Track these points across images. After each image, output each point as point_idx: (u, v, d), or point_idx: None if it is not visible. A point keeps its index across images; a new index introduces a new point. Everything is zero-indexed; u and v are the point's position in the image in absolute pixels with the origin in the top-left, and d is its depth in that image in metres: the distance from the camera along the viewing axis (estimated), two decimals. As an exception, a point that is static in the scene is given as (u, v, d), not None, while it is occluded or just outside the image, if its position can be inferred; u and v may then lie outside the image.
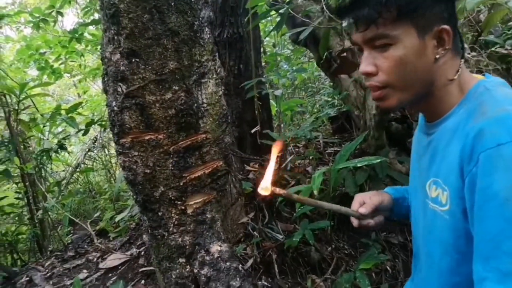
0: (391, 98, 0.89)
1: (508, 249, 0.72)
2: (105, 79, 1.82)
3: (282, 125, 3.64)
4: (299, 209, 1.96)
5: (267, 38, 5.26)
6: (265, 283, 2.00)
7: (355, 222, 1.13)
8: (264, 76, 3.07)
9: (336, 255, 2.12)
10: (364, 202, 1.12)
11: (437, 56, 0.85)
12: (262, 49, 4.78)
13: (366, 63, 0.88)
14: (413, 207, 1.12)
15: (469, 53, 1.59)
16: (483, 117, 0.80)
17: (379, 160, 1.76)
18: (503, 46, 1.66)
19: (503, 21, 2.25)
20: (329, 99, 3.79)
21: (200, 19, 1.78)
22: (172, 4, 1.68)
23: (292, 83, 4.34)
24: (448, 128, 0.90)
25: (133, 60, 1.69)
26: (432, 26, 0.83)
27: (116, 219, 2.94)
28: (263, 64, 3.95)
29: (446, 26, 0.84)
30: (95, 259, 2.66)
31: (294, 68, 3.62)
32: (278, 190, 0.95)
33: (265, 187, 0.93)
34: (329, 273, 2.02)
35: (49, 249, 3.05)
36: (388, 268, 2.07)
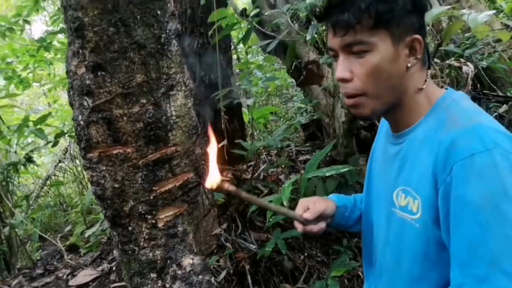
0: (365, 107, 0.90)
1: (483, 254, 0.75)
2: (71, 93, 1.78)
3: (255, 133, 3.65)
4: (270, 219, 1.97)
5: (241, 45, 5.28)
6: (239, 295, 2.00)
7: (299, 227, 1.12)
8: (237, 84, 3.08)
9: (309, 263, 2.14)
10: (309, 207, 1.12)
11: (409, 65, 0.88)
12: (235, 56, 4.79)
13: (342, 69, 0.89)
14: (373, 216, 1.14)
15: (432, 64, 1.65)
16: (454, 127, 0.82)
17: (347, 169, 1.79)
18: (462, 56, 1.73)
19: (463, 30, 2.34)
20: (303, 106, 3.83)
21: (167, 31, 1.78)
22: (138, 17, 1.66)
23: (265, 90, 4.37)
24: (418, 138, 0.91)
25: (99, 74, 1.67)
26: (406, 35, 0.86)
27: (86, 234, 2.87)
28: (237, 71, 3.96)
29: (418, 36, 0.87)
30: (65, 276, 2.58)
31: (267, 75, 3.64)
32: (227, 186, 0.92)
33: (214, 181, 0.89)
34: (301, 281, 2.04)
35: (17, 266, 2.94)
36: (360, 274, 2.10)
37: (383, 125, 1.15)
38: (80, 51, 1.66)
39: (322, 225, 1.13)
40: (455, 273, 0.81)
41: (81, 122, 1.73)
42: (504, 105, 1.82)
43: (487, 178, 0.75)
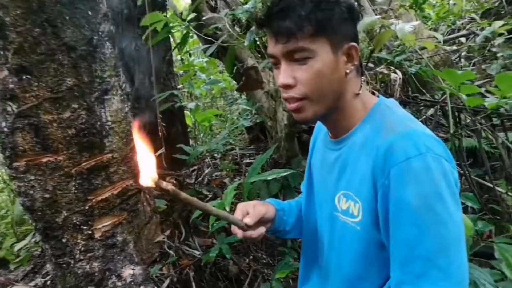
0: (307, 111, 0.92)
1: (420, 253, 0.80)
2: (-7, 98, 1.64)
3: (201, 136, 3.60)
4: (214, 224, 1.94)
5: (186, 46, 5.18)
6: (183, 303, 1.96)
7: (238, 233, 1.06)
8: (178, 87, 3.01)
9: (254, 266, 2.14)
10: (248, 212, 1.07)
11: (347, 71, 0.92)
12: (179, 57, 4.70)
13: (285, 76, 0.90)
14: (316, 221, 1.15)
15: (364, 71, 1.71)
16: (391, 133, 0.86)
17: (289, 172, 1.81)
18: (392, 62, 1.82)
19: (395, 38, 2.47)
20: (248, 108, 3.83)
21: (100, 33, 1.70)
22: (67, 17, 1.57)
23: (210, 92, 4.33)
24: (357, 143, 0.95)
25: (24, 77, 1.55)
26: (343, 43, 0.90)
27: (17, 248, 2.66)
28: (180, 72, 3.88)
29: (354, 44, 0.91)
30: (-7, 294, 2.38)
31: (210, 77, 3.61)
32: (165, 185, 0.86)
33: (151, 177, 0.83)
34: (246, 285, 2.04)
35: None
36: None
37: (319, 132, 1.18)
38: (2, 53, 1.54)
39: (261, 230, 1.09)
40: (395, 271, 0.85)
41: (5, 129, 1.60)
42: (431, 109, 1.94)
43: (422, 180, 0.80)
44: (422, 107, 2.12)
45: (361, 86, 0.97)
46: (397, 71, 1.50)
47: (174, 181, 2.41)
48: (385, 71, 1.56)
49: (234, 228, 1.07)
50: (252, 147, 3.22)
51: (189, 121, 3.19)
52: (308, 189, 1.19)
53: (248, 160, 2.89)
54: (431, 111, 1.94)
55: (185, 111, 3.04)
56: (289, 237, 1.28)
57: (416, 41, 1.63)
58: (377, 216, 0.88)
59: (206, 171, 2.56)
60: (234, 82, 4.65)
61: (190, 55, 3.73)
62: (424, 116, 2.02)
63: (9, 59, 1.53)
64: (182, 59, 5.02)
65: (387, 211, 0.84)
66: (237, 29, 2.37)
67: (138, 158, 0.88)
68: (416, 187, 0.80)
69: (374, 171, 0.87)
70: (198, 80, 3.54)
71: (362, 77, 1.00)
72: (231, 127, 3.22)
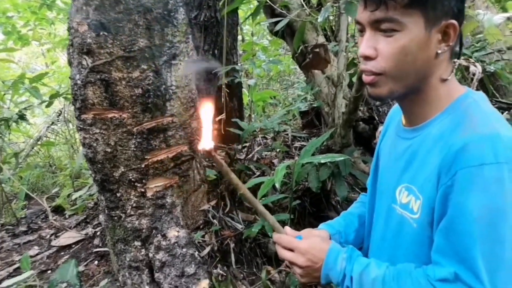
0: (382, 86, 0.85)
1: (469, 266, 0.74)
2: (70, 51, 1.74)
3: (253, 115, 3.62)
4: (260, 200, 1.96)
5: (247, 27, 5.20)
6: (221, 272, 2.00)
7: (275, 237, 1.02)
8: (239, 64, 3.03)
9: (293, 248, 2.14)
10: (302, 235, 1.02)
11: (439, 51, 0.82)
12: (240, 37, 4.73)
13: (366, 45, 0.83)
14: (375, 208, 1.11)
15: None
16: (472, 131, 0.78)
17: (342, 158, 1.78)
18: (470, 57, 1.70)
19: (473, 33, 2.31)
20: (302, 93, 3.79)
21: (175, -2, 1.73)
22: (147, -21, 1.62)
23: (267, 74, 4.32)
24: (431, 136, 0.87)
25: (101, 33, 1.63)
26: (441, 19, 0.80)
27: (73, 197, 2.85)
28: (239, 52, 3.90)
29: (454, 21, 0.80)
30: (48, 236, 2.57)
31: (270, 59, 3.60)
32: (218, 158, 0.88)
33: (208, 147, 0.85)
34: (284, 265, 2.04)
35: (1, 222, 2.92)
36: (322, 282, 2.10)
37: (392, 120, 1.10)
38: (84, 8, 1.62)
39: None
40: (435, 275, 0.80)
41: (78, 82, 1.70)
42: (506, 112, 1.81)
43: (491, 192, 0.73)
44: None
45: (452, 72, 0.87)
46: (477, 64, 1.40)
47: (225, 154, 2.45)
48: (464, 63, 1.46)
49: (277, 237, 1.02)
50: (304, 131, 3.19)
51: (244, 100, 3.21)
52: (373, 181, 1.12)
53: (299, 144, 2.87)
54: (505, 114, 1.81)
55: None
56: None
57: (501, 36, 1.51)
58: (433, 216, 0.82)
59: (257, 149, 2.58)
60: (292, 66, 4.62)
61: (252, 34, 3.74)
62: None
63: (90, 15, 1.61)
64: (243, 39, 5.05)
65: (444, 213, 0.78)
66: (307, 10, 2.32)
67: (201, 124, 0.89)
68: (482, 197, 0.73)
69: (441, 168, 0.79)
70: (258, 60, 3.54)
71: (457, 61, 0.90)
72: (287, 108, 3.20)
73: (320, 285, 1.00)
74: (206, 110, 0.90)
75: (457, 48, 0.91)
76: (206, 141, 0.86)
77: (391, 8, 0.79)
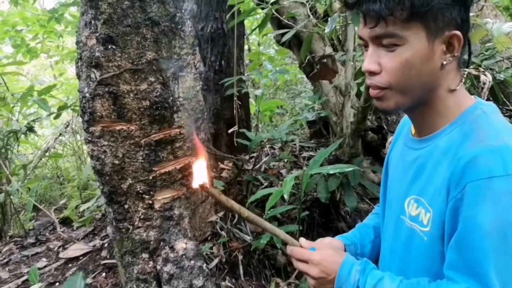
0: (389, 100, 0.85)
1: (481, 280, 0.73)
2: (79, 64, 1.75)
3: (260, 125, 3.62)
4: (268, 212, 1.94)
5: (253, 36, 5.23)
6: (229, 284, 1.98)
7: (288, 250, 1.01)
8: (245, 74, 3.04)
9: (302, 260, 2.11)
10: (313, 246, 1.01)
11: (444, 63, 0.81)
12: (247, 47, 4.75)
13: (370, 61, 0.83)
14: (384, 219, 1.10)
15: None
16: (480, 144, 0.76)
17: (351, 169, 1.76)
18: (480, 66, 1.69)
19: (482, 41, 2.30)
20: (310, 103, 3.79)
21: (183, 11, 1.75)
22: (155, -8, 1.63)
23: (274, 83, 4.33)
24: (439, 148, 0.86)
25: (109, 47, 1.64)
26: (443, 30, 0.79)
27: (81, 209, 2.85)
28: (246, 62, 3.92)
29: (457, 32, 0.79)
30: (56, 248, 2.57)
31: (277, 68, 3.60)
32: (214, 191, 0.87)
33: (202, 184, 0.84)
34: (293, 277, 2.02)
35: (9, 234, 2.93)
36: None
37: (403, 127, 1.09)
38: (93, 22, 1.63)
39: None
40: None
41: (87, 95, 1.71)
42: (517, 121, 1.78)
43: (502, 205, 0.71)
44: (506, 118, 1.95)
45: (460, 82, 0.86)
46: (487, 73, 1.38)
47: (233, 165, 2.44)
48: (474, 72, 1.44)
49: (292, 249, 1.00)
50: (312, 141, 3.17)
51: (251, 110, 3.21)
52: (384, 192, 1.11)
53: (307, 154, 2.86)
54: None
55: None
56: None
57: (510, 45, 1.49)
58: (444, 230, 0.81)
59: (264, 159, 2.57)
60: (299, 76, 4.62)
61: (259, 44, 3.75)
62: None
63: (98, 28, 1.62)
64: (249, 49, 5.07)
65: (455, 227, 0.77)
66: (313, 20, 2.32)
67: (194, 162, 0.88)
68: (493, 210, 0.71)
69: (450, 182, 0.78)
70: (264, 69, 3.55)
71: (465, 71, 0.88)
72: (293, 119, 3.19)
73: None
74: (197, 146, 0.90)
75: (466, 57, 0.90)
76: (200, 177, 0.85)
77: (390, 23, 0.78)
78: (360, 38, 0.87)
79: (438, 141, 0.87)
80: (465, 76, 0.87)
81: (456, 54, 0.82)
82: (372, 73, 0.84)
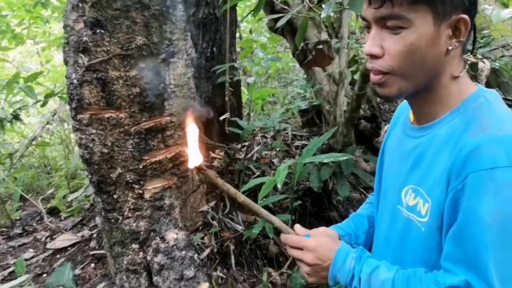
0: (391, 86, 0.82)
1: (480, 273, 0.71)
2: (66, 49, 1.69)
3: (252, 114, 3.58)
4: (261, 201, 1.92)
5: (244, 24, 5.15)
6: (220, 274, 1.96)
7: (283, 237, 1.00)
8: (237, 61, 2.99)
9: (295, 250, 2.10)
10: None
11: (450, 48, 0.78)
12: (238, 34, 4.68)
13: (372, 44, 0.80)
14: (378, 209, 1.08)
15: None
16: (483, 133, 0.74)
17: (345, 158, 1.74)
18: (475, 53, 1.67)
19: (478, 29, 2.28)
20: (302, 91, 3.75)
21: (174, -6, 1.69)
22: (144, -26, 1.57)
23: (266, 71, 4.28)
24: (440, 136, 0.83)
25: (98, 31, 1.58)
26: (451, 14, 0.76)
27: (69, 198, 2.80)
28: (237, 49, 3.86)
29: (465, 16, 0.76)
30: (44, 238, 2.52)
31: (269, 56, 3.55)
32: (209, 172, 0.84)
33: (198, 164, 0.82)
34: (286, 267, 2.01)
35: (-5, 224, 2.87)
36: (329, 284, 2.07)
37: (400, 115, 1.06)
38: (80, 5, 1.57)
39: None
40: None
41: (74, 81, 1.65)
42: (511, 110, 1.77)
43: (504, 196, 0.70)
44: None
45: (463, 69, 0.83)
46: (486, 60, 1.36)
47: (224, 154, 2.41)
48: (473, 59, 1.42)
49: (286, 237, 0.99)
50: (304, 130, 3.15)
51: (243, 98, 3.17)
52: (379, 180, 1.08)
53: (299, 143, 2.84)
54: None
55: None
56: None
57: (509, 32, 1.47)
58: (443, 221, 0.78)
59: (256, 148, 2.54)
60: (291, 64, 4.58)
61: (251, 32, 3.70)
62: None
63: (86, 12, 1.56)
64: (241, 36, 5.00)
65: (454, 218, 0.75)
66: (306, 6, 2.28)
67: (187, 143, 0.85)
68: (494, 202, 0.69)
69: (451, 172, 0.76)
70: (256, 57, 3.50)
71: (470, 58, 0.85)
72: (286, 106, 3.16)
73: (328, 286, 0.97)
74: (191, 127, 0.86)
75: (470, 43, 0.86)
76: (195, 158, 0.82)
77: (397, 4, 0.75)
78: (363, 19, 0.83)
79: (438, 129, 0.84)
80: (468, 62, 0.84)
81: (462, 39, 0.78)
82: (374, 57, 0.81)
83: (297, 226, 1.00)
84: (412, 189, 0.88)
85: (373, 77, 0.84)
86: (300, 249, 0.94)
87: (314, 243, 0.93)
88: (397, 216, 0.92)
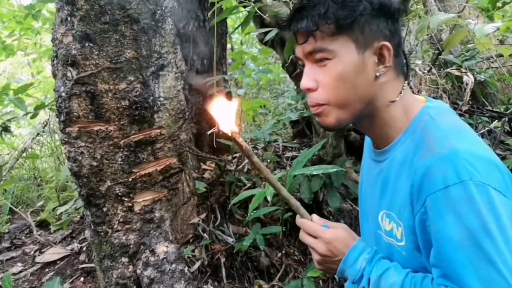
0: (329, 116, 0.85)
1: None
2: (55, 62, 1.69)
3: (243, 125, 3.59)
4: (251, 213, 1.92)
5: (236, 35, 5.19)
6: (211, 287, 1.94)
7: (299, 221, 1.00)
8: (228, 73, 3.00)
9: (286, 261, 2.10)
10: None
11: (378, 74, 0.83)
12: (230, 46, 4.71)
13: (306, 78, 0.85)
14: (363, 231, 1.09)
15: (424, 72, 1.61)
16: (431, 153, 0.76)
17: (335, 169, 1.75)
18: (460, 66, 1.70)
19: (463, 42, 2.33)
20: (293, 102, 3.77)
21: (163, 8, 1.70)
22: (134, -11, 1.58)
23: (257, 83, 4.30)
24: (396, 159, 0.86)
25: (87, 45, 1.59)
26: (372, 41, 0.81)
27: (59, 211, 2.77)
28: (229, 61, 3.88)
29: (386, 43, 0.81)
30: (32, 252, 2.49)
31: (260, 68, 3.58)
32: (241, 140, 0.83)
33: (231, 129, 0.82)
34: (276, 279, 2.00)
35: (-17, 238, 2.82)
36: (336, 276, 2.07)
37: (368, 139, 1.09)
38: (69, 19, 1.57)
39: None
40: None
41: (63, 94, 1.65)
42: (496, 121, 1.81)
43: (464, 213, 0.71)
44: (485, 119, 1.97)
45: (400, 92, 0.86)
46: (470, 74, 1.39)
47: (215, 165, 2.41)
48: (457, 73, 1.45)
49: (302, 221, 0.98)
50: (295, 141, 3.16)
51: (234, 109, 3.17)
52: (361, 204, 1.10)
53: (290, 154, 2.85)
54: (494, 123, 1.81)
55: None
56: None
57: (492, 45, 1.51)
58: (418, 243, 0.80)
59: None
60: (282, 75, 4.61)
61: (241, 43, 3.72)
62: (488, 128, 1.88)
63: (75, 26, 1.56)
64: (232, 48, 5.03)
65: (427, 239, 0.76)
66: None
67: (220, 108, 0.84)
68: (457, 220, 0.71)
69: (412, 195, 0.78)
70: (247, 69, 3.52)
71: (405, 81, 0.87)
72: (276, 118, 3.17)
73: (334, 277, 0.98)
74: (220, 98, 0.86)
75: (405, 67, 0.90)
76: (229, 123, 0.82)
77: (319, 38, 0.80)
78: (298, 58, 0.88)
79: (395, 152, 0.87)
80: (406, 85, 0.87)
81: (388, 65, 0.83)
82: (310, 90, 0.85)
83: (315, 217, 0.98)
84: (385, 214, 0.90)
85: (312, 109, 0.88)
86: (315, 237, 0.94)
87: (331, 236, 0.93)
88: (379, 241, 0.94)
